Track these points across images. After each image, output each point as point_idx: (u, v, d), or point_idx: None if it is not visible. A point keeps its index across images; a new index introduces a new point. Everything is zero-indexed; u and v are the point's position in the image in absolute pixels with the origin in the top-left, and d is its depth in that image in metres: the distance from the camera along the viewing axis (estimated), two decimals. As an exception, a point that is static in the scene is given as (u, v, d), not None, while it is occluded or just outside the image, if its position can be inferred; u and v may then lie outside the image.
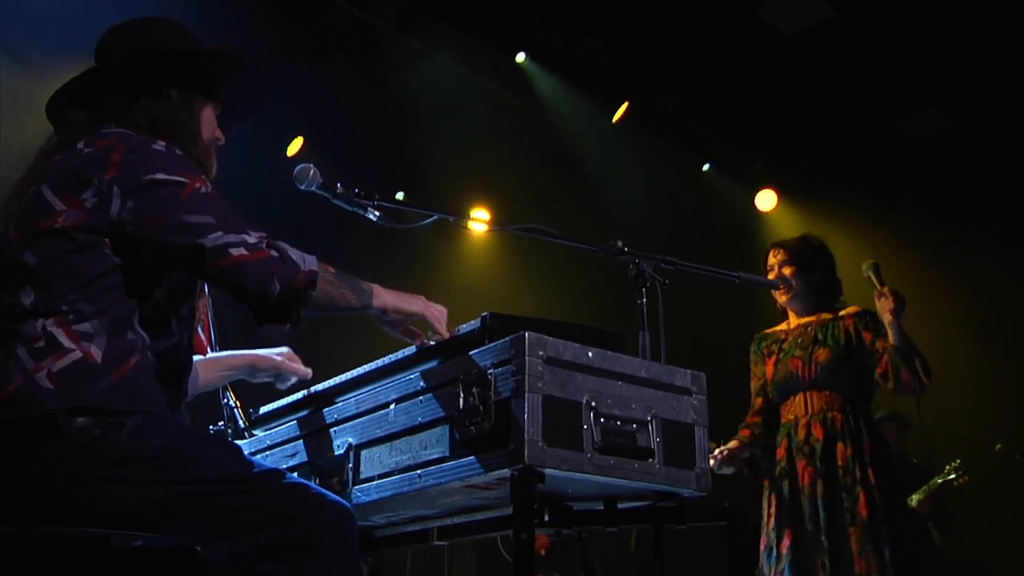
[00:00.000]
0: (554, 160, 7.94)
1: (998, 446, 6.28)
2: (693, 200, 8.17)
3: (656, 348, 2.66)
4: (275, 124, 6.49)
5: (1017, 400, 6.95)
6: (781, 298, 4.48)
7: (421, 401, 2.43)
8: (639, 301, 2.76)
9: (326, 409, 2.78)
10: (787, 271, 4.42)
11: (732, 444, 4.35)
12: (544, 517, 2.49)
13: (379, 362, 2.66)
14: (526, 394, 2.14)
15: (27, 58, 5.17)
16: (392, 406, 2.52)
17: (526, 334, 2.19)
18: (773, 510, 4.23)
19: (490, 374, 2.23)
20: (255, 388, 3.14)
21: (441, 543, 2.86)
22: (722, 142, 8.18)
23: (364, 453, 2.58)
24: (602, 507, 2.60)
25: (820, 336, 4.32)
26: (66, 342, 2.09)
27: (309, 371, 3.00)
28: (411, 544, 3.01)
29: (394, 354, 2.63)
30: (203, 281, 2.45)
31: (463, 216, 3.15)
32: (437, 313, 2.45)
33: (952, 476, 5.95)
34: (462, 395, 2.27)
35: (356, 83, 6.79)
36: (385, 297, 2.37)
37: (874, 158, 7.70)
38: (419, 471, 2.38)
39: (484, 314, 2.39)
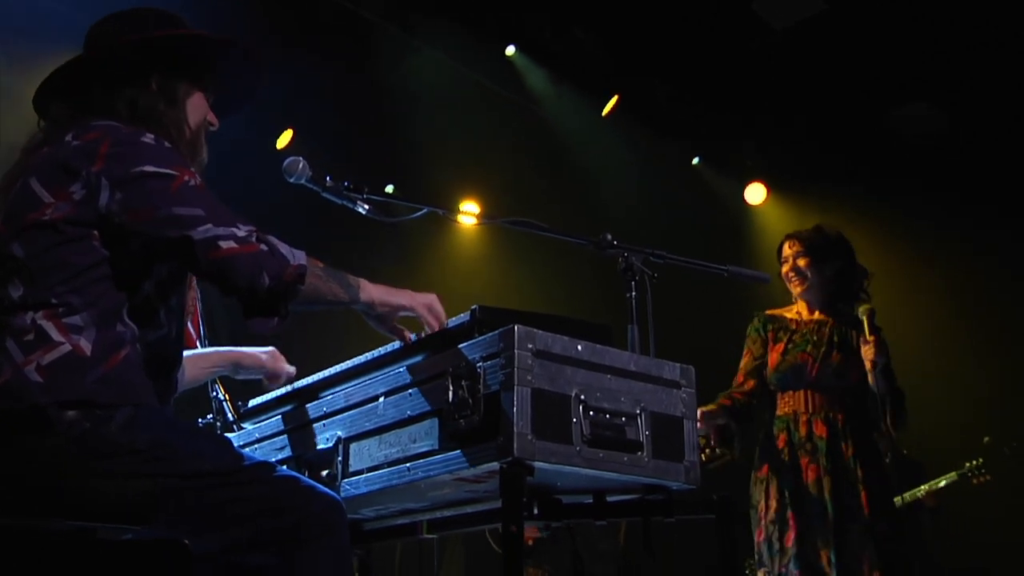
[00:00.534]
0: (544, 153, 7.94)
1: (986, 439, 6.30)
2: (682, 193, 8.17)
3: (645, 341, 2.67)
4: (265, 116, 6.47)
5: (1005, 393, 6.98)
6: (795, 289, 4.48)
7: (410, 394, 2.43)
8: (628, 294, 2.77)
9: (315, 402, 2.78)
10: (801, 262, 4.45)
11: (709, 407, 4.32)
12: (533, 510, 2.49)
13: (368, 355, 2.66)
14: (515, 387, 2.14)
15: (16, 51, 5.14)
16: (381, 399, 2.52)
17: (515, 327, 2.19)
18: (773, 502, 4.22)
19: (479, 367, 2.23)
20: (244, 381, 3.14)
21: (430, 536, 2.87)
22: (712, 135, 8.18)
23: (353, 446, 2.59)
24: (591, 500, 2.60)
25: (836, 339, 4.36)
26: (55, 335, 2.09)
27: (293, 369, 3.01)
28: (400, 537, 3.01)
29: (383, 347, 2.63)
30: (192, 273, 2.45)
31: (452, 209, 3.16)
32: (426, 302, 2.44)
33: (970, 474, 5.98)
34: (451, 388, 2.27)
35: (346, 76, 6.78)
36: (372, 291, 2.36)
37: (864, 152, 7.71)
38: (408, 464, 2.38)
39: (473, 307, 2.39)
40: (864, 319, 4.24)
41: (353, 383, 2.68)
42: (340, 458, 2.60)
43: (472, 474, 2.26)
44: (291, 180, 2.69)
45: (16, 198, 2.20)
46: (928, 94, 7.34)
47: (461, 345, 2.33)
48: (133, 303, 2.20)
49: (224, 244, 2.12)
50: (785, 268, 4.48)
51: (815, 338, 4.37)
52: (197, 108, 2.46)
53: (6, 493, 2.03)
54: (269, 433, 2.94)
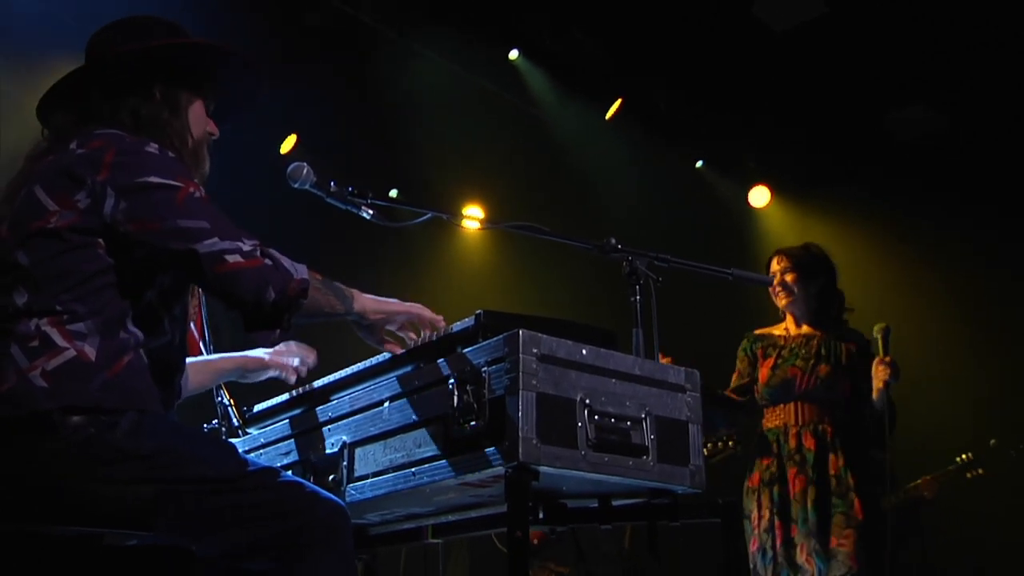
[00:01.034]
0: (547, 157, 7.93)
1: (992, 441, 6.29)
2: (686, 196, 8.17)
3: (650, 345, 2.66)
4: (268, 122, 6.47)
5: (1006, 393, 6.97)
6: (780, 302, 4.57)
7: (415, 399, 2.44)
8: (632, 298, 2.77)
9: (320, 407, 2.78)
10: (789, 278, 4.55)
11: None
12: (539, 515, 2.50)
13: (373, 360, 2.66)
14: (520, 391, 2.14)
15: (18, 60, 5.15)
16: (386, 404, 2.52)
17: (520, 332, 2.19)
18: (766, 511, 4.32)
19: (484, 372, 2.23)
20: (249, 386, 3.14)
21: (436, 541, 2.87)
22: (715, 138, 8.17)
23: (358, 451, 2.58)
24: (596, 504, 2.60)
25: (824, 352, 4.43)
26: (60, 341, 2.09)
27: (295, 363, 3.01)
28: (405, 542, 3.01)
29: (388, 352, 2.62)
30: (197, 286, 2.46)
31: (456, 214, 3.16)
32: (417, 308, 2.49)
33: (963, 467, 5.98)
34: (456, 393, 2.27)
35: (349, 81, 6.78)
36: (365, 301, 2.41)
37: (867, 154, 7.71)
38: (413, 469, 2.38)
39: (478, 312, 2.39)
40: (879, 337, 4.32)
41: (358, 388, 2.68)
42: (345, 463, 2.60)
43: (477, 479, 2.26)
44: (295, 186, 2.69)
45: (21, 206, 2.20)
46: (928, 95, 7.33)
47: (466, 350, 2.33)
48: (137, 311, 2.20)
49: (230, 258, 2.13)
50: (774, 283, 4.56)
51: (803, 352, 4.47)
52: (199, 117, 2.46)
53: (11, 498, 2.04)
54: (274, 438, 2.94)
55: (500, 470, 2.16)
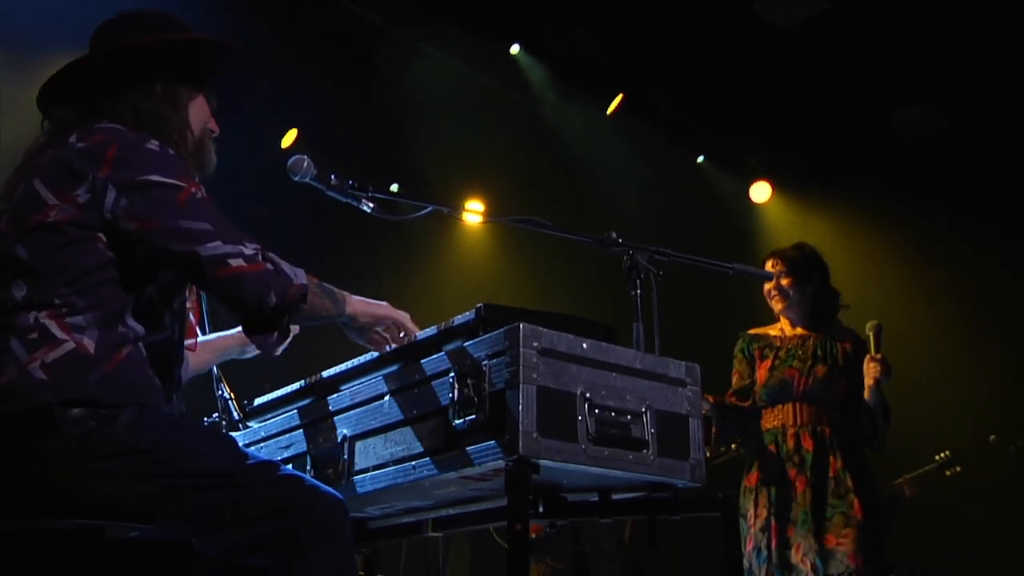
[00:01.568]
0: (549, 152, 7.93)
1: (992, 437, 6.29)
2: (687, 191, 8.17)
3: (650, 339, 2.67)
4: (270, 119, 6.48)
5: (1006, 393, 6.97)
6: (777, 306, 4.55)
7: (416, 392, 2.44)
8: (633, 292, 2.77)
9: (321, 400, 2.78)
10: (784, 282, 4.52)
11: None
12: (539, 508, 2.50)
13: (374, 353, 2.66)
14: (520, 385, 2.14)
15: (18, 55, 5.14)
16: (387, 397, 2.53)
17: (520, 325, 2.19)
18: (763, 511, 4.30)
19: (484, 365, 2.23)
20: (249, 380, 3.14)
21: (436, 534, 2.87)
22: (715, 134, 8.16)
23: (359, 444, 2.59)
24: (597, 498, 2.60)
25: (820, 352, 4.43)
26: (59, 333, 2.09)
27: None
28: (406, 535, 3.01)
29: (388, 346, 2.63)
30: (199, 288, 2.47)
31: (457, 208, 3.15)
32: (401, 317, 2.53)
33: (942, 466, 5.95)
34: (456, 386, 2.27)
35: (351, 75, 6.78)
36: (355, 304, 2.44)
37: (869, 151, 7.70)
38: (414, 462, 2.38)
39: (479, 305, 2.39)
40: (871, 335, 4.28)
41: (358, 381, 2.69)
42: (346, 456, 2.60)
43: (477, 472, 2.26)
44: (296, 179, 2.69)
45: (20, 200, 2.20)
46: (931, 94, 7.33)
47: (466, 343, 2.33)
48: (137, 306, 2.21)
49: (233, 262, 2.15)
50: (768, 286, 4.55)
51: (800, 353, 4.45)
52: (199, 113, 2.46)
53: (12, 492, 2.04)
54: (275, 431, 2.94)
55: (500, 464, 2.17)
